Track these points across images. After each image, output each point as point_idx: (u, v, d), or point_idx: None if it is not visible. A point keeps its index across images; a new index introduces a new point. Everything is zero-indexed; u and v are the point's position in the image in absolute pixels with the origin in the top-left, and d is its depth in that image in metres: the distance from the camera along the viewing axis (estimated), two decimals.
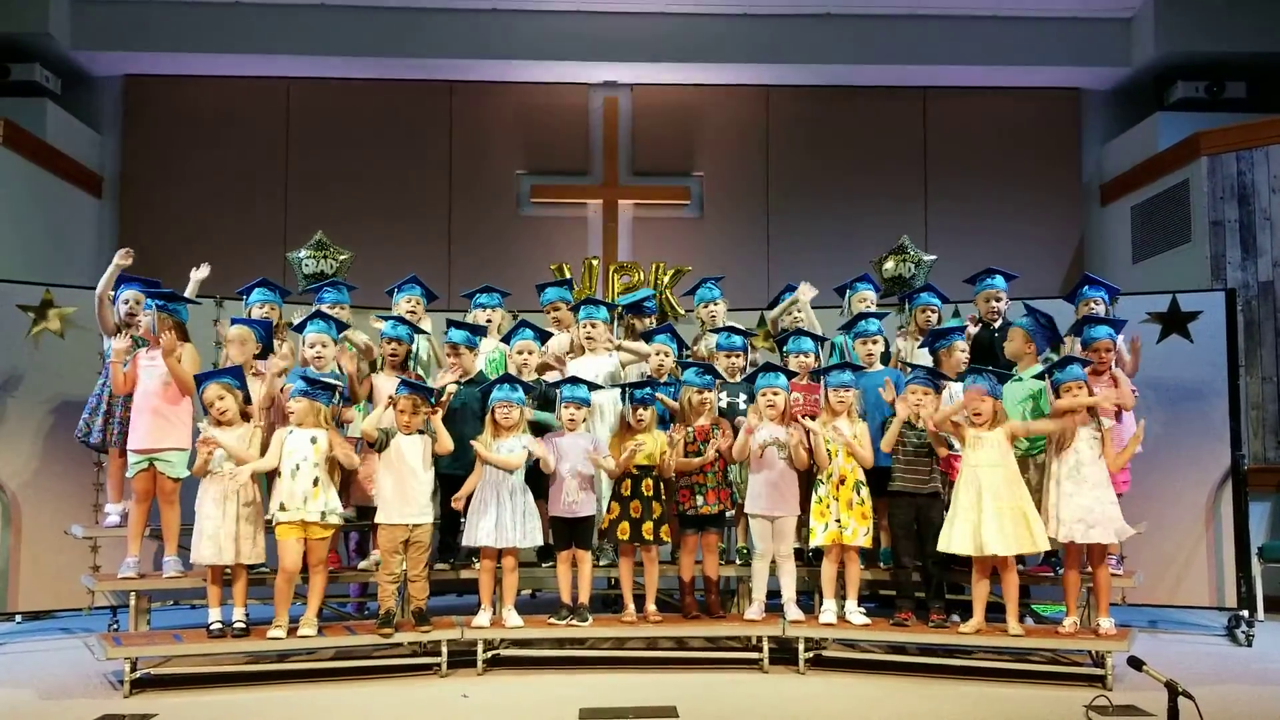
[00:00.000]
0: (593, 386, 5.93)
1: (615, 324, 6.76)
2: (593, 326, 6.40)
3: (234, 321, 6.14)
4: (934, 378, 5.83)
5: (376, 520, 5.60)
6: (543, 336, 6.31)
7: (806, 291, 6.84)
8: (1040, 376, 5.82)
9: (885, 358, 6.45)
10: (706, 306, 6.86)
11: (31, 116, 9.10)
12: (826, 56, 10.02)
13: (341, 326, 6.13)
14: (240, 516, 5.41)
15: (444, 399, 5.68)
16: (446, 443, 5.60)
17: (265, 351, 6.07)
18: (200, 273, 6.53)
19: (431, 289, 6.80)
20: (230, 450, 5.39)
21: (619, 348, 6.45)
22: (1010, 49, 9.97)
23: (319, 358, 5.94)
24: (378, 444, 5.54)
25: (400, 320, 6.19)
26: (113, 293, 6.25)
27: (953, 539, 5.47)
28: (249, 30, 9.71)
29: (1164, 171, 9.27)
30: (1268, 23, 9.43)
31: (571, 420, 5.77)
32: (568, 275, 8.01)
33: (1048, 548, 5.57)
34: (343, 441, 5.58)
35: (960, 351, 6.11)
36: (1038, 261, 9.92)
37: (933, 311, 6.67)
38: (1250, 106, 9.51)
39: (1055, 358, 5.94)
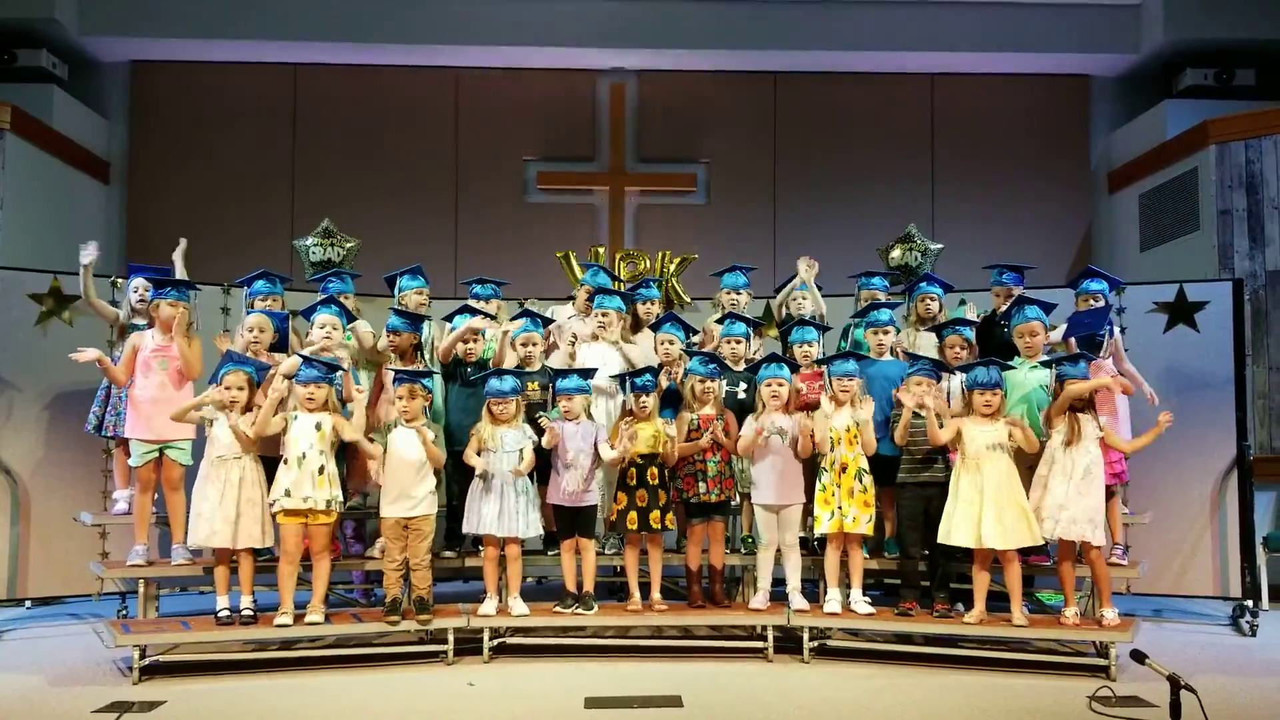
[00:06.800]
0: (585, 374, 5.94)
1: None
2: (604, 316, 6.46)
3: (248, 312, 6.14)
4: (937, 368, 5.84)
5: (380, 512, 5.62)
6: (545, 324, 6.38)
7: (807, 271, 6.82)
8: (1046, 365, 5.82)
9: None
10: (731, 294, 6.86)
11: (38, 103, 9.10)
12: (834, 42, 9.97)
13: (352, 318, 6.12)
14: (241, 499, 5.41)
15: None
16: (438, 456, 5.60)
17: (282, 343, 6.07)
18: (178, 249, 6.44)
19: (429, 276, 6.70)
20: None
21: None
22: (1018, 35, 9.92)
23: (327, 338, 5.88)
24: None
25: (401, 312, 6.17)
26: (122, 281, 6.31)
27: (952, 531, 5.48)
28: (256, 15, 9.69)
29: (1172, 159, 9.23)
30: (1278, 9, 9.35)
31: (568, 410, 5.78)
32: (573, 263, 8.11)
33: (1043, 541, 5.57)
34: (348, 424, 5.55)
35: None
36: (1045, 249, 9.90)
37: (933, 300, 6.66)
38: (1260, 94, 9.45)
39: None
